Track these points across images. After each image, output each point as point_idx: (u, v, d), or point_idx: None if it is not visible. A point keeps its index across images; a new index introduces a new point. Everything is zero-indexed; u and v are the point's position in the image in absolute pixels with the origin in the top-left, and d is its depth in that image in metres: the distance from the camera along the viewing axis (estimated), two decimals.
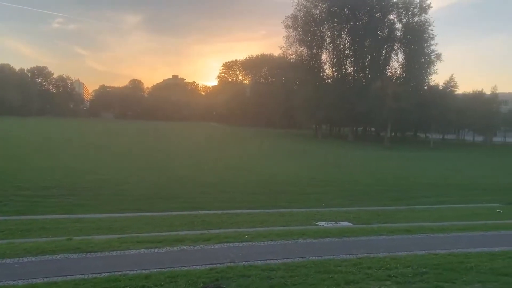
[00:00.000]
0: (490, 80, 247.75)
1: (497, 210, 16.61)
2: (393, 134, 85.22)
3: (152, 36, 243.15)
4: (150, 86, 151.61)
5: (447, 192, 23.11)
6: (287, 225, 12.81)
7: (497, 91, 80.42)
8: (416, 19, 77.78)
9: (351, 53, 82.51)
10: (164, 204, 17.10)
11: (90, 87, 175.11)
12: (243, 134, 77.73)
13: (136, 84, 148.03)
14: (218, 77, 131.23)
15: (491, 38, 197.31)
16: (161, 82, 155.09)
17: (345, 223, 13.91)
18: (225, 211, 15.27)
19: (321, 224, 13.43)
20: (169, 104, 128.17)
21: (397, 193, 22.90)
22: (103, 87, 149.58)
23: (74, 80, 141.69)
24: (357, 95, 69.93)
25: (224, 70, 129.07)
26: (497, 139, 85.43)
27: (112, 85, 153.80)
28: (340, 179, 27.16)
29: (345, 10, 78.81)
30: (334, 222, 13.98)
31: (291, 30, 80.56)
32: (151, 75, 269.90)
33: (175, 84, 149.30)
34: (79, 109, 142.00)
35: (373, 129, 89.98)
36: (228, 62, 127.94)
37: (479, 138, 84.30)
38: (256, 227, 12.24)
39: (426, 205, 19.46)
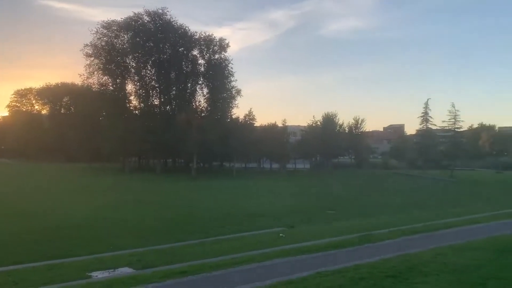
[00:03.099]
0: (282, 114, 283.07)
1: (280, 234, 17.42)
2: (201, 165, 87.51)
3: None
4: None
5: (241, 221, 23.75)
6: (49, 283, 10.48)
7: (287, 124, 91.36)
8: (217, 56, 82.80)
9: (157, 85, 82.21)
10: None
11: None
12: (37, 171, 68.22)
13: None
14: (8, 106, 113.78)
15: (283, 78, 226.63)
16: None
17: (125, 270, 12.26)
18: None
19: (95, 275, 11.51)
20: None
21: (194, 226, 22.40)
22: None
23: None
24: (164, 127, 69.47)
25: (16, 99, 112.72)
26: (290, 165, 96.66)
27: None
28: (137, 216, 25.36)
29: (149, 42, 78.53)
30: (112, 270, 12.20)
31: (93, 58, 75.95)
32: None
33: None
34: None
35: (182, 160, 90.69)
36: (22, 89, 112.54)
37: (276, 166, 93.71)
38: None
39: (220, 236, 19.32)
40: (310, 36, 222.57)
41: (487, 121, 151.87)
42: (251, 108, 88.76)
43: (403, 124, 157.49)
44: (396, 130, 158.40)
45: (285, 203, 32.08)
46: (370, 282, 7.80)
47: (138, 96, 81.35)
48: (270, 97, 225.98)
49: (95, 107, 78.32)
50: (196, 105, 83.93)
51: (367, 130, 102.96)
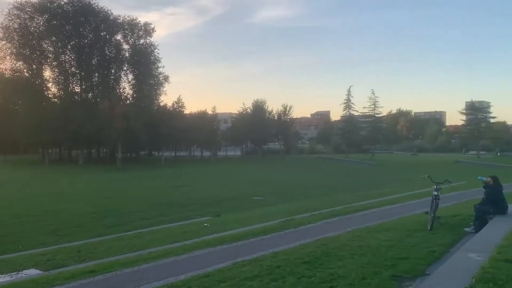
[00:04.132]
0: (212, 102, 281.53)
1: (205, 224, 17.05)
2: (128, 154, 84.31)
3: None
4: None
5: (166, 211, 23.04)
6: None
7: (217, 112, 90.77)
8: (142, 41, 79.78)
9: (77, 71, 77.35)
10: None
11: None
12: None
13: None
14: None
15: (214, 65, 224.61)
16: None
17: (31, 272, 11.18)
18: None
19: None
20: None
21: (115, 218, 21.31)
22: None
23: None
24: (86, 115, 65.64)
25: None
26: (221, 153, 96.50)
27: None
28: (52, 211, 23.60)
29: (68, 26, 73.35)
30: (16, 273, 11.07)
31: (4, 42, 69.50)
32: None
33: None
34: None
35: (106, 150, 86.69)
36: None
37: (207, 153, 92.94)
38: None
39: (143, 228, 18.49)
40: (239, 23, 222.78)
41: (405, 107, 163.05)
42: (180, 95, 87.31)
43: (329, 111, 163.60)
44: (322, 117, 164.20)
45: (213, 191, 31.76)
46: (286, 270, 7.65)
47: (57, 83, 76.18)
48: (200, 84, 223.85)
49: (7, 95, 72.11)
50: (120, 92, 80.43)
51: (295, 117, 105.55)
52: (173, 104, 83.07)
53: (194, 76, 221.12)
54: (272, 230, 12.55)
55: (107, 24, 77.04)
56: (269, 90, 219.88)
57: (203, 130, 78.50)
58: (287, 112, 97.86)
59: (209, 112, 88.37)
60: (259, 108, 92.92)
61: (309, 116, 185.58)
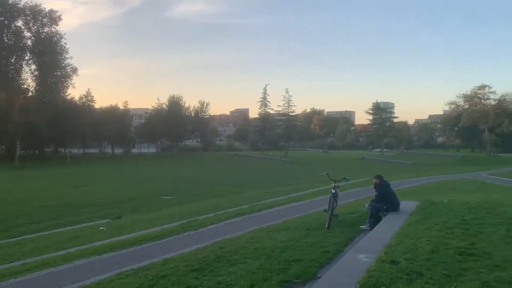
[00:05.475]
0: (127, 96, 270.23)
1: (101, 228, 15.67)
2: (30, 151, 77.40)
3: None
4: None
5: (62, 214, 21.00)
6: None
7: (130, 107, 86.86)
8: (46, 29, 73.50)
9: None
10: None
11: None
12: None
13: None
14: None
15: (129, 59, 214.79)
16: None
17: None
18: None
19: None
20: None
21: (2, 223, 18.90)
22: None
23: None
24: None
25: None
26: (135, 150, 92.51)
27: None
28: None
29: None
30: None
31: None
32: None
33: None
34: None
35: (3, 147, 78.64)
36: None
37: (119, 150, 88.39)
38: None
39: (31, 234, 16.53)
40: (157, 16, 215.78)
41: (318, 106, 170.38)
42: (89, 89, 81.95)
43: (248, 108, 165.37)
44: (241, 114, 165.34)
45: (118, 190, 29.85)
46: (171, 280, 6.94)
47: None
48: (115, 78, 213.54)
49: None
50: (20, 84, 73.39)
51: (214, 114, 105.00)
52: (81, 97, 77.78)
53: (108, 69, 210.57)
54: (170, 233, 11.73)
55: (5, 8, 69.77)
56: (187, 86, 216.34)
57: (115, 125, 74.50)
58: (204, 109, 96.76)
59: (121, 106, 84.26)
60: (175, 104, 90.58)
61: (228, 113, 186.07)
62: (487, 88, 79.94)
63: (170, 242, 10.79)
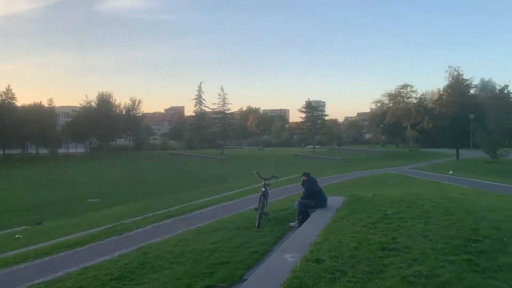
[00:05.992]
0: (52, 94, 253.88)
1: (17, 236, 14.42)
2: None
3: None
4: None
5: None
6: None
7: (55, 104, 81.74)
8: None
9: None
10: None
11: None
12: None
13: None
14: None
15: (54, 55, 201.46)
16: None
17: None
18: None
19: None
20: None
21: None
22: None
23: None
24: None
25: None
26: (62, 150, 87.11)
27: None
28: None
29: None
30: None
31: None
32: None
33: None
34: None
35: None
36: None
37: (45, 151, 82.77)
38: None
39: None
40: (85, 10, 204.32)
41: (254, 104, 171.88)
42: (9, 85, 75.76)
43: (183, 106, 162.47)
44: (176, 112, 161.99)
45: (39, 194, 27.85)
46: None
47: None
48: (39, 74, 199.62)
49: None
50: None
51: (148, 112, 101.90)
52: (0, 94, 71.91)
53: (31, 65, 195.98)
54: (93, 239, 11.01)
55: None
56: (120, 83, 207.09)
57: (39, 124, 69.74)
58: (136, 107, 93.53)
59: (45, 104, 79.00)
60: (104, 101, 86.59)
61: (163, 111, 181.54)
62: (409, 87, 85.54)
63: (91, 249, 10.11)
